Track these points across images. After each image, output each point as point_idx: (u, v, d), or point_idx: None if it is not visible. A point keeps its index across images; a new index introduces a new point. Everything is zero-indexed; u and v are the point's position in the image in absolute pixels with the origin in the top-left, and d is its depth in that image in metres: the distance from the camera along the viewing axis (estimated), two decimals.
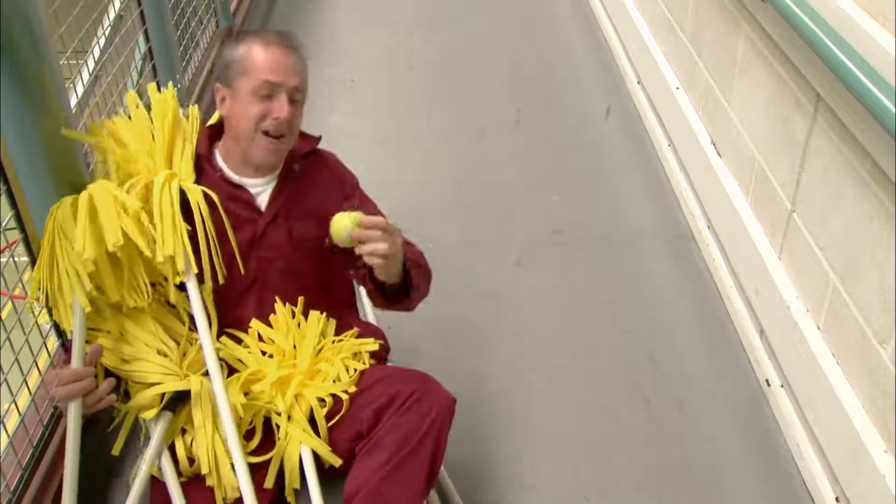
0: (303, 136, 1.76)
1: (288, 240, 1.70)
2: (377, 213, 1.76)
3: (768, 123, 2.16)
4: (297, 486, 1.63)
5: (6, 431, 1.57)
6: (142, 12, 2.56)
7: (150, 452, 1.58)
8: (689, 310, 2.41)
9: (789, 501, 1.89)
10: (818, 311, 1.90)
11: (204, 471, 1.59)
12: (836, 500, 1.78)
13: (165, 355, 1.62)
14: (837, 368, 1.80)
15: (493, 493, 1.88)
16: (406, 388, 1.60)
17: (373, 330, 1.85)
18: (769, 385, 2.11)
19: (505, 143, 3.19)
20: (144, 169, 1.66)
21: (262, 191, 1.70)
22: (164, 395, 1.60)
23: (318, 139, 1.79)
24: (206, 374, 1.62)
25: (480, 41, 3.98)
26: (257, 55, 1.60)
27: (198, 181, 1.67)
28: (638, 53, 3.43)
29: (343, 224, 1.53)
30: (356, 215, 1.53)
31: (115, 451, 1.60)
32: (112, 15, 2.50)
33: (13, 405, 1.62)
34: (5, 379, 1.56)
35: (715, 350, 2.28)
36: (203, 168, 1.69)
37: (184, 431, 1.63)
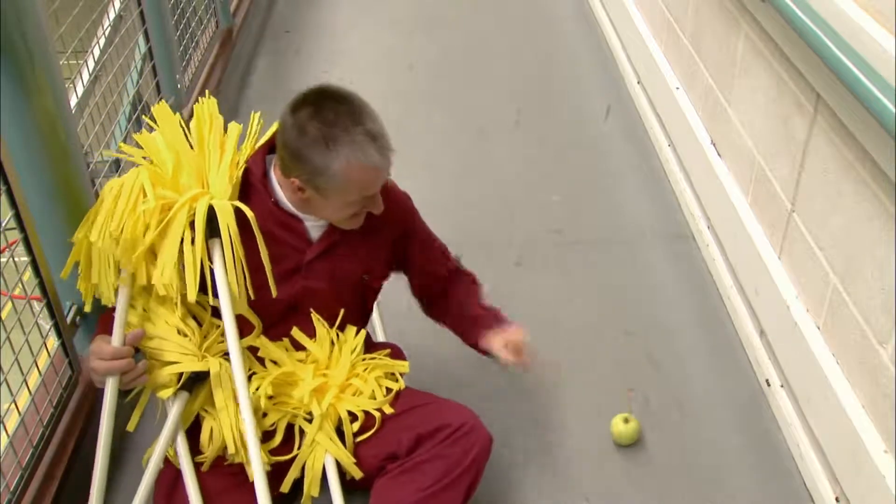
0: None
1: (331, 275, 1.69)
2: (431, 239, 1.86)
3: (768, 123, 2.16)
4: (317, 493, 1.64)
5: (6, 431, 1.57)
6: (142, 12, 2.56)
7: (165, 433, 1.59)
8: (689, 310, 2.41)
9: (789, 501, 1.89)
10: (818, 311, 1.90)
11: (231, 450, 1.61)
12: (836, 500, 1.78)
13: (185, 335, 1.62)
14: (837, 368, 1.80)
15: (494, 493, 1.88)
16: (455, 420, 1.65)
17: (396, 350, 1.87)
18: (769, 385, 2.11)
19: (505, 143, 3.19)
20: (172, 185, 1.62)
21: (316, 225, 1.67)
22: (181, 375, 1.60)
23: None
24: (226, 356, 1.63)
25: (480, 41, 3.98)
26: (358, 176, 1.53)
27: (244, 199, 1.62)
28: (638, 53, 3.43)
29: (624, 434, 1.95)
30: (635, 426, 1.95)
31: (131, 427, 1.63)
32: (112, 15, 2.50)
33: (13, 405, 1.62)
34: (5, 379, 1.56)
35: (715, 350, 2.28)
36: (252, 185, 1.64)
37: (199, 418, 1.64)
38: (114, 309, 1.62)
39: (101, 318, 1.70)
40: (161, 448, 1.59)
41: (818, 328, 1.90)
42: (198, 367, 1.61)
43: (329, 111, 1.52)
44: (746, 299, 2.26)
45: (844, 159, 1.76)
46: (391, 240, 1.75)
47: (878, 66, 1.53)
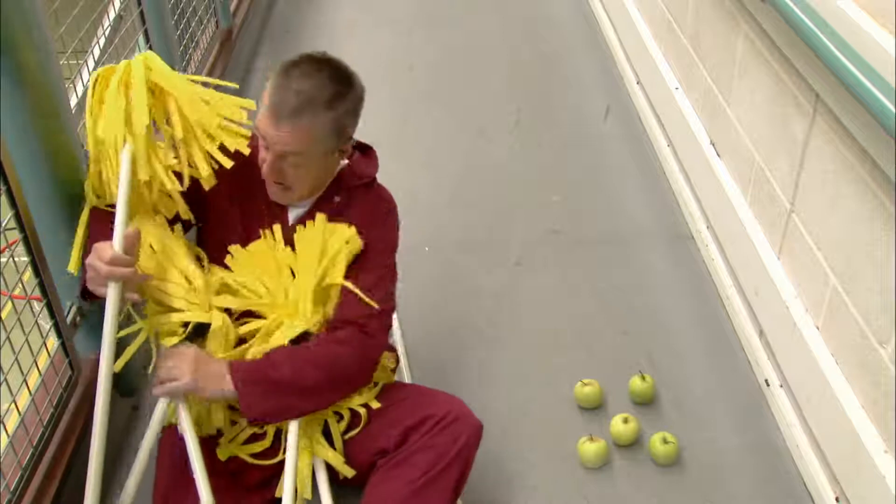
0: (364, 164, 1.73)
1: None
2: (378, 264, 1.70)
3: (767, 123, 2.16)
4: (309, 496, 1.64)
5: (6, 431, 1.57)
6: (142, 12, 2.56)
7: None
8: (688, 310, 2.41)
9: (789, 501, 1.89)
10: (817, 312, 1.90)
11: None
12: (836, 500, 1.79)
13: (191, 283, 1.62)
14: (837, 368, 1.80)
15: (494, 493, 1.88)
16: (439, 410, 1.64)
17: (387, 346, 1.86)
18: (768, 385, 2.11)
19: (505, 143, 3.19)
20: None
21: (298, 206, 1.69)
22: (187, 325, 1.61)
23: (375, 174, 1.74)
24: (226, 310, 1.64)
25: (480, 41, 3.98)
26: (263, 107, 1.55)
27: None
28: (637, 53, 3.43)
29: (624, 434, 1.97)
30: (635, 426, 1.97)
31: (118, 368, 1.60)
32: (112, 15, 2.49)
33: (13, 405, 1.62)
34: (5, 379, 1.56)
35: (714, 350, 2.28)
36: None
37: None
38: (102, 214, 1.62)
39: (93, 223, 1.66)
40: (163, 408, 1.59)
41: (817, 328, 1.90)
42: (204, 318, 1.60)
43: (312, 60, 1.57)
44: (746, 299, 2.26)
45: (844, 159, 1.76)
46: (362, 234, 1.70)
47: (878, 66, 1.53)
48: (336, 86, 1.56)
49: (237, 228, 1.69)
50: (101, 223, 1.62)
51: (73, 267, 1.64)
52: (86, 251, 1.60)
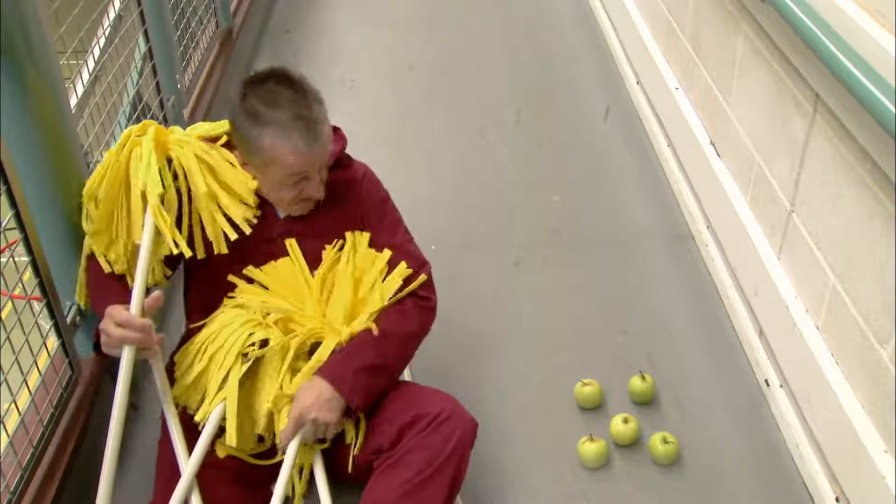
0: (333, 142, 1.75)
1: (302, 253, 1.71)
2: (395, 233, 1.78)
3: (767, 123, 2.16)
4: (305, 492, 1.64)
5: (6, 431, 1.57)
6: (142, 12, 2.55)
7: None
8: (688, 310, 2.41)
9: (789, 501, 1.89)
10: (817, 312, 1.90)
11: (260, 427, 1.64)
12: (836, 500, 1.79)
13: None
14: (837, 368, 1.80)
15: (494, 493, 1.88)
16: (432, 408, 1.63)
17: None
18: (768, 385, 2.11)
19: (505, 143, 3.19)
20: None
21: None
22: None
23: (344, 145, 1.78)
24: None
25: (480, 41, 3.98)
26: (281, 157, 1.57)
27: None
28: (637, 53, 3.43)
29: (624, 434, 1.96)
30: (635, 426, 1.96)
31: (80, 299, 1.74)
32: (112, 15, 2.49)
33: (13, 405, 1.62)
34: (5, 379, 1.56)
35: (714, 350, 2.28)
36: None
37: None
38: (102, 273, 1.67)
39: (93, 282, 1.72)
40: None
41: (817, 328, 1.90)
42: (269, 334, 1.63)
43: (269, 90, 1.58)
44: (746, 299, 2.26)
45: (844, 159, 1.76)
46: (359, 219, 1.76)
47: (878, 66, 1.53)
48: (296, 83, 1.60)
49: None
50: (108, 292, 1.66)
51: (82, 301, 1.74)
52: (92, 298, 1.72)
